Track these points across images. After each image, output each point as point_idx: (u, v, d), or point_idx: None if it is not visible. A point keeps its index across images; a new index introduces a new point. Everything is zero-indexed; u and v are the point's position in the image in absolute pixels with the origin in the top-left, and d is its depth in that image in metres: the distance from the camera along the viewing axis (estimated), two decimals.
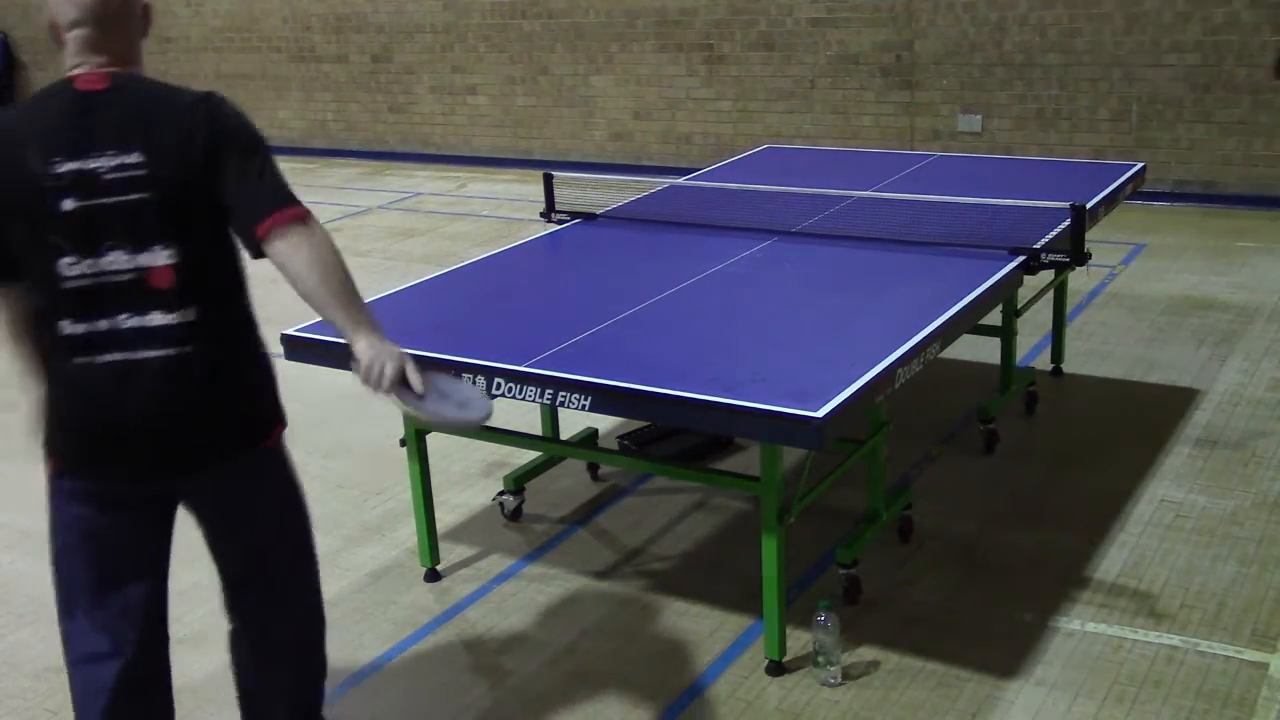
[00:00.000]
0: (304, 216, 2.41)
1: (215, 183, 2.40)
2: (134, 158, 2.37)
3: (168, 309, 2.42)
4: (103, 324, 2.42)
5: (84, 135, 2.37)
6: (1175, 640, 3.36)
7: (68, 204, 2.36)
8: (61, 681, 3.49)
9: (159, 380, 2.43)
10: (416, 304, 3.85)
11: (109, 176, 2.37)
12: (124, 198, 2.37)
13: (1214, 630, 3.39)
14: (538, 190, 4.89)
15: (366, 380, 2.41)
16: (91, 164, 2.36)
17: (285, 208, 2.40)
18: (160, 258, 2.40)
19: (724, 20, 9.05)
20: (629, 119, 9.72)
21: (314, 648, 2.85)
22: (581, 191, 4.85)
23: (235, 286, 2.55)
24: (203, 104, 2.43)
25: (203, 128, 2.40)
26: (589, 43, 9.69)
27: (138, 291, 2.40)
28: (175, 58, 12.06)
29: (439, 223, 8.65)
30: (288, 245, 2.37)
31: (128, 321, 2.41)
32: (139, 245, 2.39)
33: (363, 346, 2.40)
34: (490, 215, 8.80)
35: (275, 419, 2.63)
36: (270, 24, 11.26)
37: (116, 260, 2.39)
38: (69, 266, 2.39)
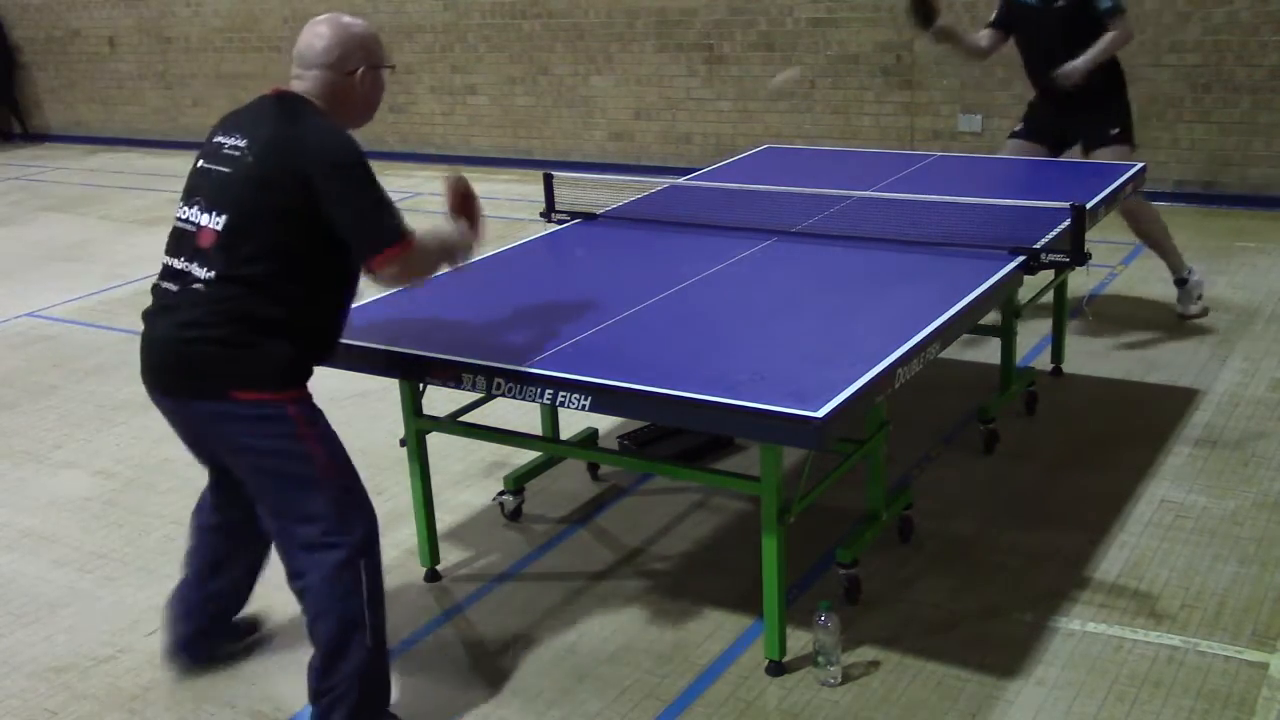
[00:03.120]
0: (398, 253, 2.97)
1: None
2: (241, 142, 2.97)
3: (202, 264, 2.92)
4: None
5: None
6: (1175, 640, 3.36)
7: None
8: (61, 682, 3.50)
9: (172, 307, 2.94)
10: (417, 304, 3.85)
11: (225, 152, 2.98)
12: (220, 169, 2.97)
13: (1214, 630, 3.39)
14: (538, 190, 4.89)
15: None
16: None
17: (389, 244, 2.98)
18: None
19: (724, 20, 9.05)
20: (629, 119, 9.72)
21: (318, 618, 3.02)
22: (581, 191, 4.85)
23: (277, 274, 2.91)
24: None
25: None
26: (589, 43, 9.69)
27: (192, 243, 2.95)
28: (175, 58, 12.06)
29: (439, 222, 8.63)
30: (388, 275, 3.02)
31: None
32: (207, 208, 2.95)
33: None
34: (490, 215, 8.77)
35: (246, 384, 2.91)
36: (270, 24, 11.26)
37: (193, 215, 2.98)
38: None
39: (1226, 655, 3.28)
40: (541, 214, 4.76)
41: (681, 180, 5.23)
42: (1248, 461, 4.33)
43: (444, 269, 3.22)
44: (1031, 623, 3.47)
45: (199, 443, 3.13)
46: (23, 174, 11.73)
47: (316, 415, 3.01)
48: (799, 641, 3.39)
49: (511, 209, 8.90)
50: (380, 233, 2.93)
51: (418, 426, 3.74)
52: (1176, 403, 4.84)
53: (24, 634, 3.75)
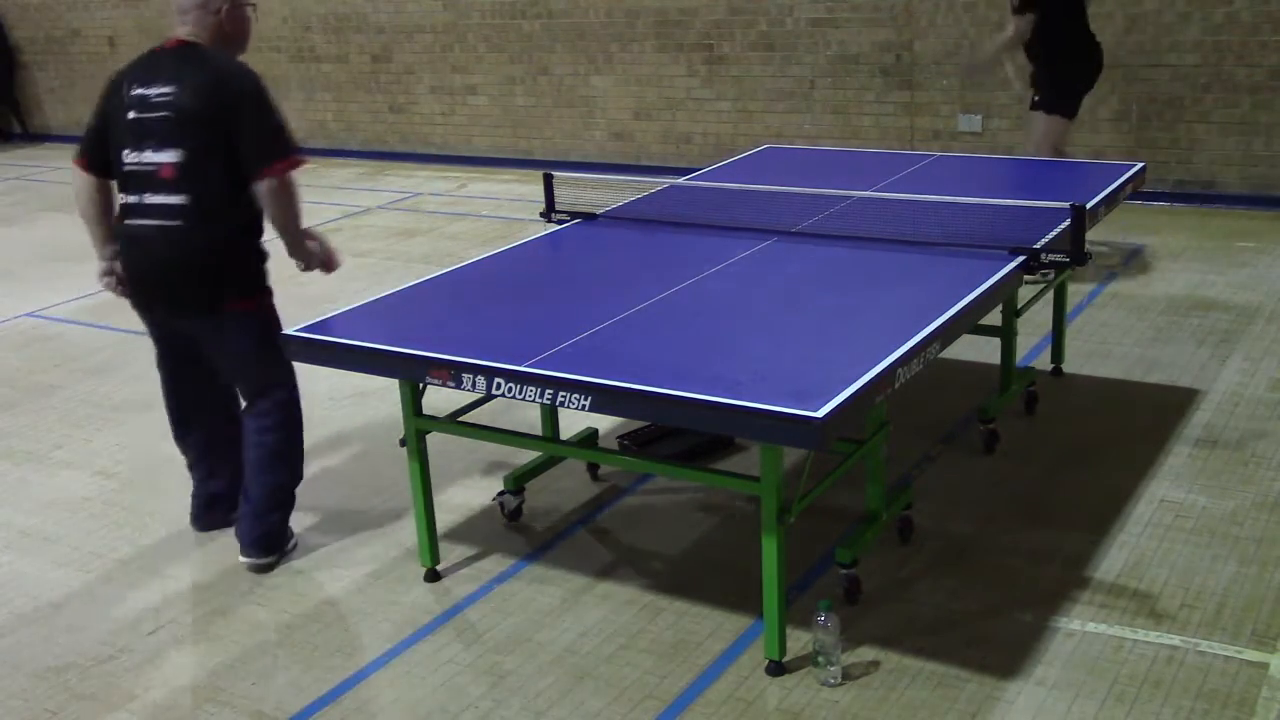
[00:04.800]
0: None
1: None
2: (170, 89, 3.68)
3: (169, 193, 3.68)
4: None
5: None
6: (1175, 640, 3.36)
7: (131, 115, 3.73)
8: (61, 682, 3.50)
9: (155, 243, 3.72)
10: (417, 304, 3.85)
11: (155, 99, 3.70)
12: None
13: (1214, 630, 3.39)
14: (538, 190, 4.90)
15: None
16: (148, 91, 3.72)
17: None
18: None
19: (724, 20, 9.05)
20: (629, 119, 9.73)
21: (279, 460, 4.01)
22: (581, 191, 4.85)
23: (228, 195, 3.67)
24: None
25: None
26: (589, 43, 9.69)
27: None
28: None
29: (439, 223, 8.65)
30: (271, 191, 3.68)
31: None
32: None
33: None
34: (490, 215, 8.80)
35: (242, 294, 3.76)
36: (270, 24, 11.25)
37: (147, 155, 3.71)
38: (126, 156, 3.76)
39: (1226, 655, 3.28)
40: (541, 214, 4.76)
41: (681, 180, 5.22)
42: (1248, 461, 4.33)
43: (300, 226, 3.78)
44: (1031, 623, 3.47)
45: (192, 346, 3.89)
46: (23, 174, 11.73)
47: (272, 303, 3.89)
48: (799, 641, 3.39)
49: (511, 209, 8.90)
50: (273, 146, 3.63)
51: (418, 426, 3.74)
52: (1176, 403, 4.84)
53: (24, 634, 3.75)
